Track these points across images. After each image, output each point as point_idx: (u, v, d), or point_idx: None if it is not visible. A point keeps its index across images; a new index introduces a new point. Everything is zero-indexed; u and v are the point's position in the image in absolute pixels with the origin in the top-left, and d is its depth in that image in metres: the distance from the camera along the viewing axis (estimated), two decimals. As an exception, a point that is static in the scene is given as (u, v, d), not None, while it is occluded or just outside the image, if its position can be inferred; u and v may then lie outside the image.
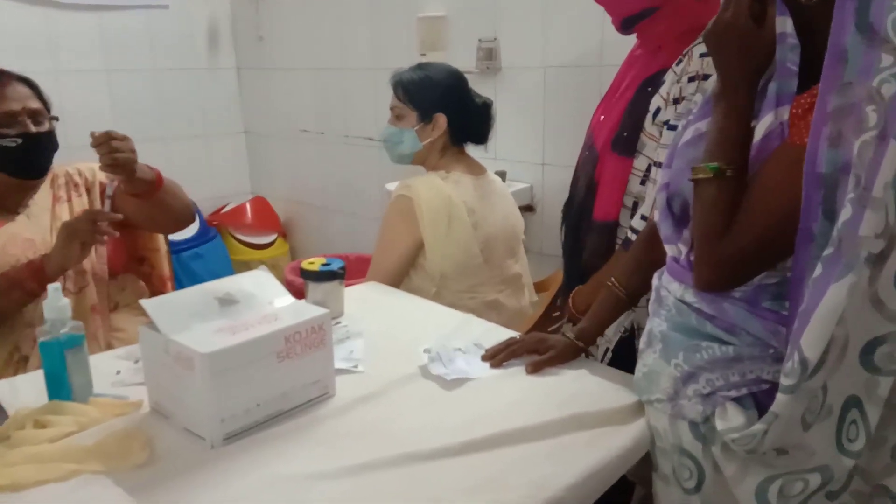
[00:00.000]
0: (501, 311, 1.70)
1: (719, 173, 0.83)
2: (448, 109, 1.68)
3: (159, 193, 1.55)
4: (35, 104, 1.51)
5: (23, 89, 1.51)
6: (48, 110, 1.55)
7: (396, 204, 1.65)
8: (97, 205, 1.63)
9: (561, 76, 2.21)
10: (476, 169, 1.74)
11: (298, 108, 3.28)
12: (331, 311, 1.06)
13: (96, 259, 1.59)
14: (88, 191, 1.64)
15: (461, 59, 2.43)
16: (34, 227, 1.54)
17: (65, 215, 1.57)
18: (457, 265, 1.64)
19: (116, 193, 1.55)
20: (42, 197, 1.58)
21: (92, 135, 1.43)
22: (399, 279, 1.67)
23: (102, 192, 1.61)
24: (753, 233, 0.81)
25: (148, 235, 1.76)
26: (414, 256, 1.65)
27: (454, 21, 2.48)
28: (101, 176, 1.65)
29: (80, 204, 1.61)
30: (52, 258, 1.43)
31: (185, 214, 1.67)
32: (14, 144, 1.47)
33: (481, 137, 1.75)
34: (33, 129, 1.50)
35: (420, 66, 1.73)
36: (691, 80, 1.19)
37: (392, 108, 1.73)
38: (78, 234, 1.42)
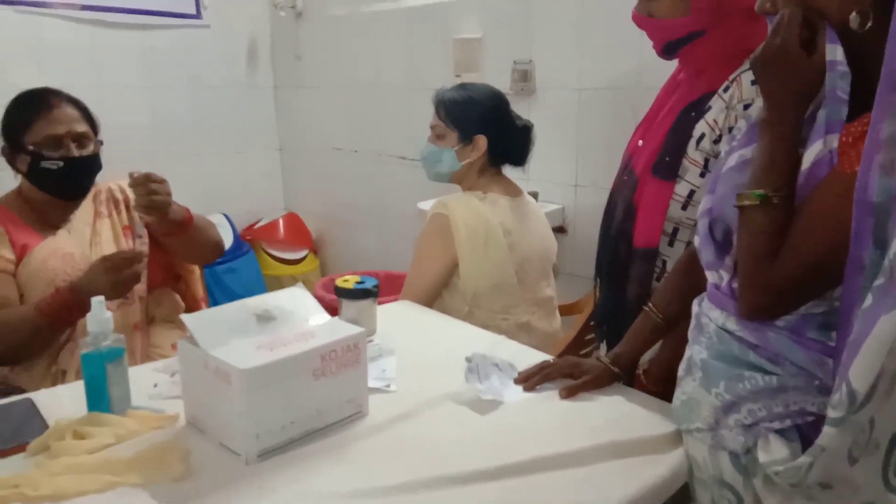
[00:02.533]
0: (533, 333, 1.69)
1: (766, 200, 0.82)
2: (489, 131, 1.68)
3: (189, 232, 1.58)
4: (81, 127, 1.55)
5: (71, 112, 1.55)
6: (95, 133, 1.59)
7: (433, 222, 1.65)
8: (137, 221, 1.66)
9: (596, 98, 2.20)
10: (513, 190, 1.74)
11: (333, 125, 3.32)
12: (365, 330, 1.07)
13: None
14: (128, 208, 1.68)
15: (496, 80, 2.44)
16: (74, 242, 1.57)
17: (105, 231, 1.61)
18: (491, 286, 1.63)
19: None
20: (84, 212, 1.61)
21: (131, 175, 1.48)
22: (433, 297, 1.67)
23: (132, 231, 1.65)
24: (802, 260, 0.80)
25: None
26: (448, 275, 1.65)
27: (490, 43, 2.49)
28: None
29: (120, 221, 1.64)
30: (80, 290, 1.42)
31: (213, 251, 1.72)
32: (55, 167, 1.51)
33: (520, 160, 1.75)
34: (76, 152, 1.53)
35: (463, 87, 1.74)
36: (746, 108, 1.17)
37: (433, 127, 1.73)
38: (117, 282, 1.43)
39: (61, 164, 1.51)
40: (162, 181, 1.49)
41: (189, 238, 1.61)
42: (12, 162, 1.53)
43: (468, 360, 1.18)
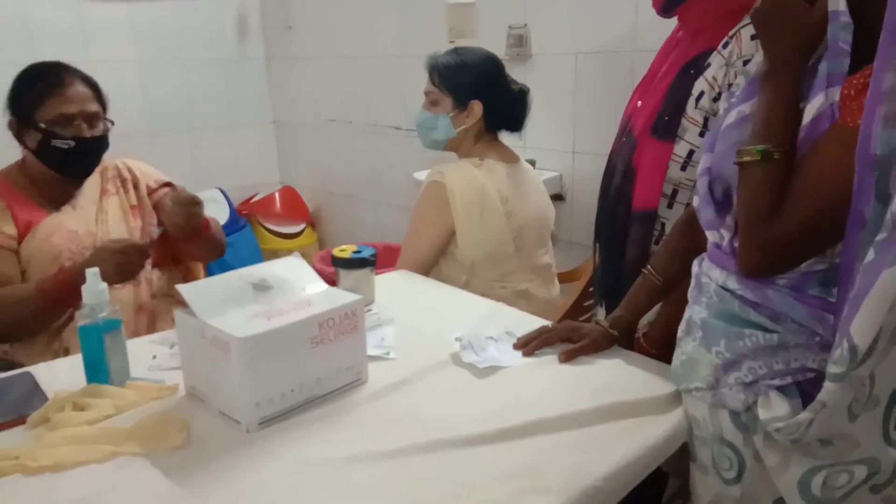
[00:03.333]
0: (531, 300, 1.69)
1: (766, 156, 0.80)
2: (484, 96, 1.65)
3: (204, 240, 1.61)
4: (93, 107, 1.53)
5: (84, 90, 1.52)
6: (105, 111, 1.57)
7: (429, 190, 1.63)
8: (145, 202, 1.66)
9: (592, 62, 2.17)
10: (509, 157, 1.72)
11: (326, 97, 3.28)
12: (363, 298, 1.06)
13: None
14: (136, 187, 1.67)
15: (491, 45, 2.39)
16: (79, 219, 1.55)
17: (112, 209, 1.60)
18: (488, 254, 1.62)
19: (159, 201, 1.65)
20: (89, 189, 1.59)
21: (174, 188, 1.52)
22: (430, 266, 1.66)
23: (140, 211, 1.65)
24: (803, 216, 0.79)
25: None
26: (445, 243, 1.64)
27: (484, 7, 2.45)
28: (148, 178, 1.69)
29: (128, 200, 1.64)
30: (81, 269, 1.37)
31: (218, 252, 1.73)
32: (67, 147, 1.49)
33: (517, 125, 1.72)
34: (87, 133, 1.51)
35: (456, 51, 1.69)
36: (746, 63, 1.15)
37: (427, 94, 1.70)
38: (125, 266, 1.43)
39: (72, 143, 1.49)
40: (200, 203, 1.51)
41: (202, 244, 1.62)
42: (20, 137, 1.50)
43: (458, 339, 1.18)
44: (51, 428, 0.92)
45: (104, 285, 1.02)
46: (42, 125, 1.46)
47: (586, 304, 1.85)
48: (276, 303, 1.01)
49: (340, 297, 1.04)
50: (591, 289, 1.79)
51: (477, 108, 1.65)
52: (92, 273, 1.00)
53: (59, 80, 1.49)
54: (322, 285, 1.09)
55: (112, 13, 2.98)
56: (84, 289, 1.01)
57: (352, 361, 1.04)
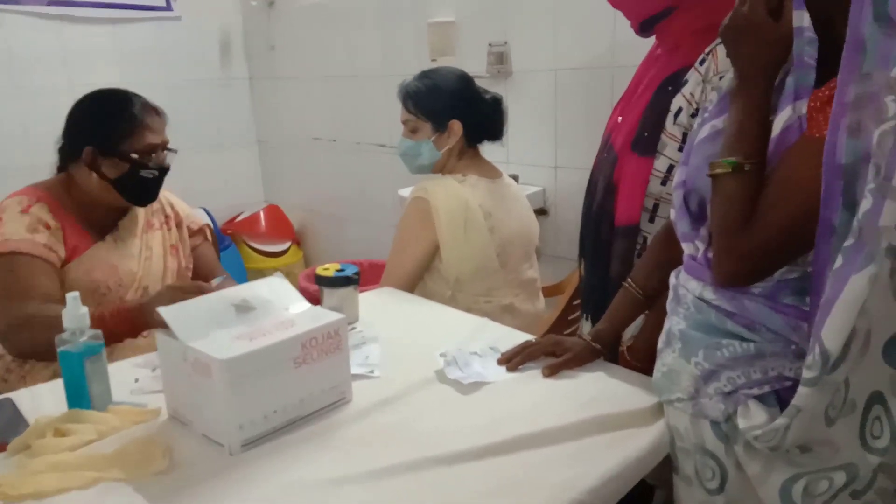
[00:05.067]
0: (516, 315, 1.69)
1: (738, 168, 0.82)
2: (461, 114, 1.66)
3: None
4: (167, 136, 1.55)
5: (162, 120, 1.54)
6: None
7: (413, 206, 1.64)
8: (186, 244, 1.71)
9: (572, 78, 2.20)
10: (492, 172, 1.73)
11: (310, 116, 3.30)
12: (346, 317, 1.06)
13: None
14: (178, 226, 1.70)
15: (472, 63, 2.43)
16: (121, 253, 1.55)
17: (156, 245, 1.61)
18: (473, 269, 1.63)
19: (197, 248, 1.73)
20: (129, 221, 1.59)
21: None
22: (414, 282, 1.67)
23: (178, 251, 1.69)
24: (774, 226, 0.80)
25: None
26: (430, 259, 1.65)
27: (464, 26, 2.48)
28: (189, 220, 1.74)
29: (171, 237, 1.66)
30: (147, 313, 1.32)
31: None
32: (152, 176, 1.51)
33: (496, 134, 1.73)
34: (167, 162, 1.54)
35: (425, 75, 1.71)
36: (723, 79, 1.17)
37: (405, 122, 1.71)
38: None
39: (156, 173, 1.52)
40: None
41: None
42: (95, 166, 1.48)
43: (443, 355, 1.18)
44: (32, 455, 0.91)
45: (85, 309, 1.01)
46: (134, 156, 1.47)
47: (571, 317, 1.86)
48: (259, 323, 1.01)
49: (323, 317, 1.04)
50: (575, 302, 1.80)
51: (456, 126, 1.67)
52: (72, 297, 1.00)
53: (145, 111, 1.51)
54: (305, 305, 1.09)
55: (94, 37, 2.99)
56: (64, 313, 1.00)
57: (336, 381, 1.04)
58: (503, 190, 1.72)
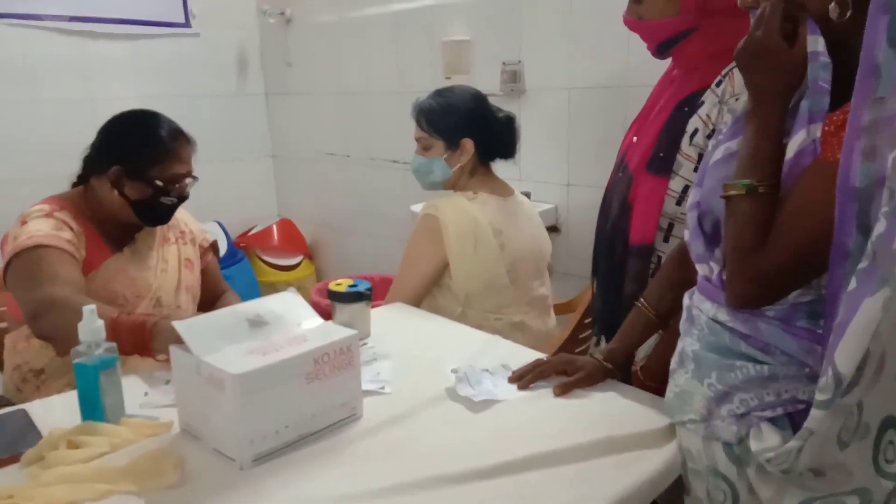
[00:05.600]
0: (527, 332, 1.69)
1: (752, 190, 0.82)
2: (473, 133, 1.67)
3: None
4: (192, 165, 1.58)
5: (190, 150, 1.57)
6: None
7: (423, 223, 1.65)
8: (198, 260, 1.72)
9: (585, 97, 2.21)
10: (503, 190, 1.74)
11: (324, 131, 3.33)
12: (358, 333, 1.07)
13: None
14: (193, 242, 1.73)
15: (485, 81, 2.45)
16: (137, 265, 1.57)
17: (171, 259, 1.64)
18: (483, 286, 1.64)
19: (207, 264, 1.76)
20: (149, 234, 1.63)
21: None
22: (420, 298, 1.67)
23: (192, 265, 1.71)
24: (788, 249, 0.80)
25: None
26: (438, 276, 1.65)
27: (478, 44, 2.50)
28: (201, 237, 1.76)
29: (185, 252, 1.68)
30: (161, 338, 1.24)
31: None
32: (171, 203, 1.54)
33: (509, 152, 1.74)
34: (188, 191, 1.57)
35: (439, 93, 1.72)
36: (739, 100, 1.18)
37: (418, 140, 1.73)
38: None
39: (175, 200, 1.55)
40: None
41: None
42: (119, 185, 1.50)
43: (454, 371, 1.18)
44: (45, 466, 0.92)
45: (100, 322, 1.02)
46: (159, 183, 1.50)
47: (582, 335, 1.85)
48: (272, 338, 1.01)
49: (335, 332, 1.04)
50: (587, 321, 1.80)
51: (468, 145, 1.68)
52: (88, 310, 1.01)
53: (178, 141, 1.53)
54: (318, 320, 1.10)
55: (115, 51, 3.04)
56: (80, 326, 1.01)
57: (347, 397, 1.04)
58: (514, 207, 1.72)
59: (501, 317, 1.66)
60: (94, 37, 2.96)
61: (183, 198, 1.57)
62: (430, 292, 1.68)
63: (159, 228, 1.64)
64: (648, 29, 1.37)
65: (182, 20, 3.21)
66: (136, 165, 1.50)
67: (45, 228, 1.42)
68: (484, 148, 1.70)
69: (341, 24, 3.06)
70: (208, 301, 1.76)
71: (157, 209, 1.54)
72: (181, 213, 1.71)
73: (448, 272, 1.64)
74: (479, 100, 1.72)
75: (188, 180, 1.57)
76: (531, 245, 1.72)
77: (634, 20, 1.38)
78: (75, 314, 1.03)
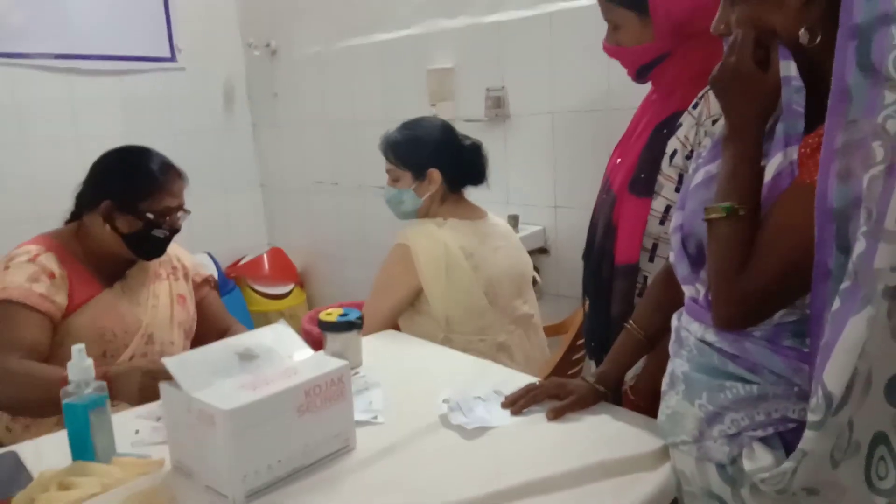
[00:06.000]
0: (513, 352, 1.71)
1: (732, 212, 0.83)
2: (439, 163, 1.72)
3: None
4: (183, 199, 1.59)
5: (181, 184, 1.58)
6: None
7: (395, 252, 1.69)
8: (191, 295, 1.73)
9: (569, 121, 2.24)
10: (474, 213, 1.78)
11: (313, 160, 3.34)
12: (350, 362, 1.07)
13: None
14: (186, 277, 1.73)
15: (470, 107, 2.49)
16: (127, 301, 1.57)
17: (163, 294, 1.64)
18: (461, 309, 1.66)
19: (204, 299, 1.76)
20: (141, 270, 1.63)
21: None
22: (389, 325, 1.69)
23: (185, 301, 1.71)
24: (770, 270, 0.81)
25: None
26: (409, 302, 1.68)
27: (462, 72, 2.54)
28: (194, 272, 1.76)
29: (177, 288, 1.68)
30: (119, 390, 1.29)
31: None
32: (163, 236, 1.55)
33: (478, 179, 1.78)
34: (179, 224, 1.58)
35: (405, 126, 1.77)
36: (715, 123, 1.21)
37: (388, 172, 1.78)
38: (149, 391, 1.30)
39: (167, 233, 1.56)
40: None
41: None
42: (110, 218, 1.51)
43: (446, 401, 1.18)
44: (35, 509, 0.91)
45: (90, 361, 1.02)
46: (150, 216, 1.51)
47: (575, 357, 1.85)
48: (262, 372, 1.01)
49: (326, 364, 1.04)
50: (579, 342, 1.80)
51: (435, 175, 1.72)
52: (77, 349, 1.01)
53: (168, 175, 1.55)
54: (308, 352, 1.10)
55: (101, 88, 3.04)
56: (70, 365, 1.01)
57: (339, 428, 1.04)
58: (487, 229, 1.75)
59: (485, 338, 1.68)
60: (80, 73, 2.98)
61: (175, 230, 1.58)
62: (412, 320, 1.70)
63: (151, 264, 1.64)
64: (627, 55, 1.41)
65: (168, 55, 3.24)
66: (126, 199, 1.51)
67: (18, 280, 1.43)
68: (452, 176, 1.74)
69: (327, 55, 3.09)
70: (213, 337, 1.73)
71: (149, 242, 1.55)
72: (174, 249, 1.72)
73: (425, 299, 1.66)
74: (445, 131, 1.77)
75: (180, 214, 1.57)
76: (507, 264, 1.74)
77: (614, 47, 1.42)
78: (21, 387, 1.16)
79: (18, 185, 2.81)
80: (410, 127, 1.77)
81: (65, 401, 1.00)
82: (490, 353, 1.59)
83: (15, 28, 2.78)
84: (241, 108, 3.56)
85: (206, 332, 1.74)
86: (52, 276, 1.46)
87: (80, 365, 1.01)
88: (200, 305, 1.75)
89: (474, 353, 1.51)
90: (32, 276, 1.44)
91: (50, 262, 1.48)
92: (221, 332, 1.75)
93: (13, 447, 1.12)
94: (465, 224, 1.71)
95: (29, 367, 1.38)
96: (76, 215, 1.58)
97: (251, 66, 3.51)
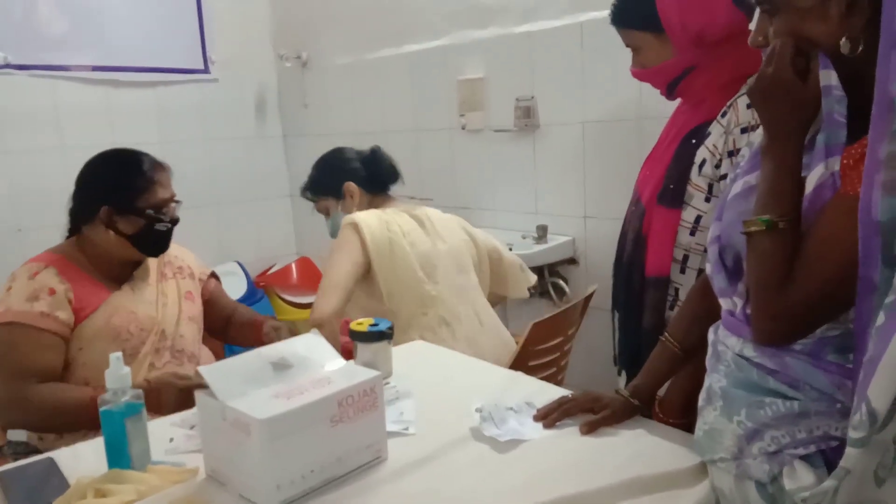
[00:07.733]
0: (455, 328, 1.78)
1: (772, 226, 0.82)
2: (349, 176, 1.92)
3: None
4: (174, 189, 1.64)
5: (168, 176, 1.63)
6: None
7: (345, 230, 1.79)
8: (198, 291, 1.78)
9: (599, 130, 2.23)
10: (407, 205, 1.93)
11: (342, 170, 3.36)
12: (381, 373, 1.07)
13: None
14: (192, 276, 1.77)
15: (500, 117, 2.49)
16: (138, 300, 1.61)
17: (171, 293, 1.68)
18: (401, 284, 1.76)
19: (212, 292, 1.83)
20: (144, 271, 1.66)
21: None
22: (348, 297, 1.73)
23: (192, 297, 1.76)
24: (813, 284, 0.79)
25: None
26: (361, 273, 1.75)
27: (492, 82, 2.54)
28: (199, 270, 1.81)
29: (185, 286, 1.73)
30: (155, 404, 1.41)
31: None
32: (165, 229, 1.59)
33: (392, 178, 1.98)
34: (177, 213, 1.62)
35: (312, 167, 2.01)
36: (744, 131, 1.20)
37: (318, 211, 2.01)
38: (185, 401, 1.37)
39: (169, 225, 1.60)
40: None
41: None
42: (112, 223, 1.55)
43: (479, 410, 1.17)
44: (73, 516, 0.92)
45: (127, 369, 1.04)
46: (150, 212, 1.55)
47: (537, 348, 1.77)
48: (296, 381, 1.02)
49: (359, 374, 1.04)
50: (552, 342, 1.78)
51: (351, 186, 1.92)
52: (115, 357, 1.03)
53: (155, 168, 1.59)
54: (341, 361, 1.10)
55: (137, 98, 3.11)
56: (107, 373, 1.02)
57: (371, 439, 1.04)
58: (421, 216, 1.88)
59: (427, 311, 1.77)
60: (117, 85, 3.05)
61: (175, 221, 1.61)
62: (355, 293, 1.78)
63: (155, 265, 1.68)
64: (653, 75, 1.43)
65: (202, 66, 3.30)
66: (123, 200, 1.54)
67: (18, 301, 1.47)
68: (365, 181, 1.94)
69: (357, 66, 3.12)
70: (221, 324, 1.83)
71: (154, 237, 1.58)
72: (177, 250, 1.76)
73: (371, 275, 1.76)
74: (340, 151, 2.00)
75: (174, 204, 1.61)
76: (443, 243, 1.85)
77: (640, 70, 1.46)
78: (49, 413, 1.26)
79: (60, 194, 2.87)
80: (314, 166, 2.01)
81: (102, 408, 1.02)
82: (433, 327, 1.74)
83: (56, 41, 2.87)
84: (272, 119, 3.62)
85: (214, 320, 1.82)
86: (52, 292, 1.49)
87: (118, 373, 1.02)
88: (209, 299, 1.81)
89: (419, 327, 1.70)
90: (32, 295, 1.48)
91: (49, 277, 1.51)
92: (227, 318, 1.84)
93: (49, 454, 1.14)
94: (402, 212, 1.86)
95: (54, 393, 1.44)
96: (74, 230, 1.62)
97: (282, 78, 3.56)
